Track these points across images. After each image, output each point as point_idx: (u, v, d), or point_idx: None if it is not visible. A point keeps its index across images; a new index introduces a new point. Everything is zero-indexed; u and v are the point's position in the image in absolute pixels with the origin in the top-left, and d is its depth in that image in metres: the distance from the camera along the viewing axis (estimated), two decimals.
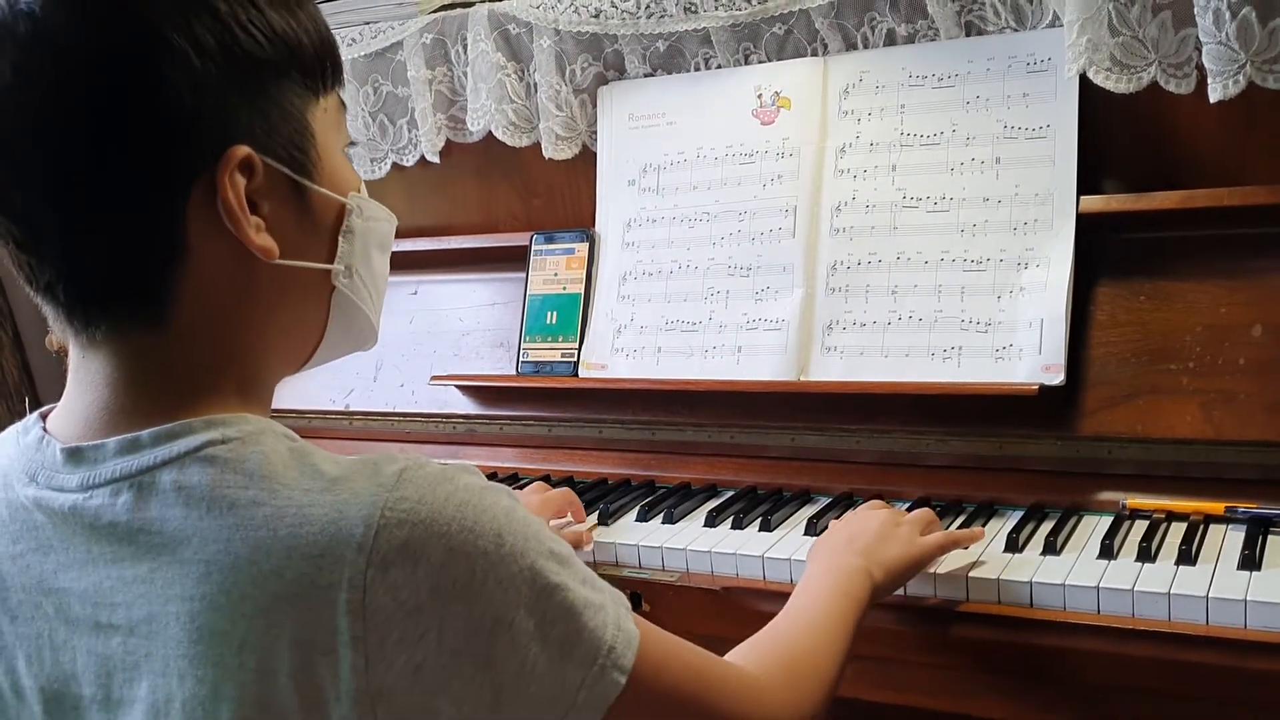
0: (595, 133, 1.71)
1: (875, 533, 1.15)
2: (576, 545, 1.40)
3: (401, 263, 1.87)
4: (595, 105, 1.71)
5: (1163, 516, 1.25)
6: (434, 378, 1.78)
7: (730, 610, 1.28)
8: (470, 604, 0.70)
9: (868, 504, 1.27)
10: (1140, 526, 1.23)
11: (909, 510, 1.34)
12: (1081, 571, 1.15)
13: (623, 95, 1.69)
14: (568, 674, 0.73)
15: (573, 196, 1.78)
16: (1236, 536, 1.19)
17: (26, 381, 2.29)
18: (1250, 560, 1.12)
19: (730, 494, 1.50)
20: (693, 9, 1.57)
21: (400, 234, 1.88)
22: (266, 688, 0.68)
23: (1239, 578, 1.10)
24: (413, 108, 1.84)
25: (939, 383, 1.39)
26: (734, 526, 1.38)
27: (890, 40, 1.50)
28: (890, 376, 1.43)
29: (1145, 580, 1.12)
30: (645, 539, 1.38)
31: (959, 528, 1.27)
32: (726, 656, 0.91)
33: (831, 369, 1.48)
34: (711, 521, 1.40)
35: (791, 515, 1.41)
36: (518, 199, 1.84)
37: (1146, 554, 1.16)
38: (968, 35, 1.45)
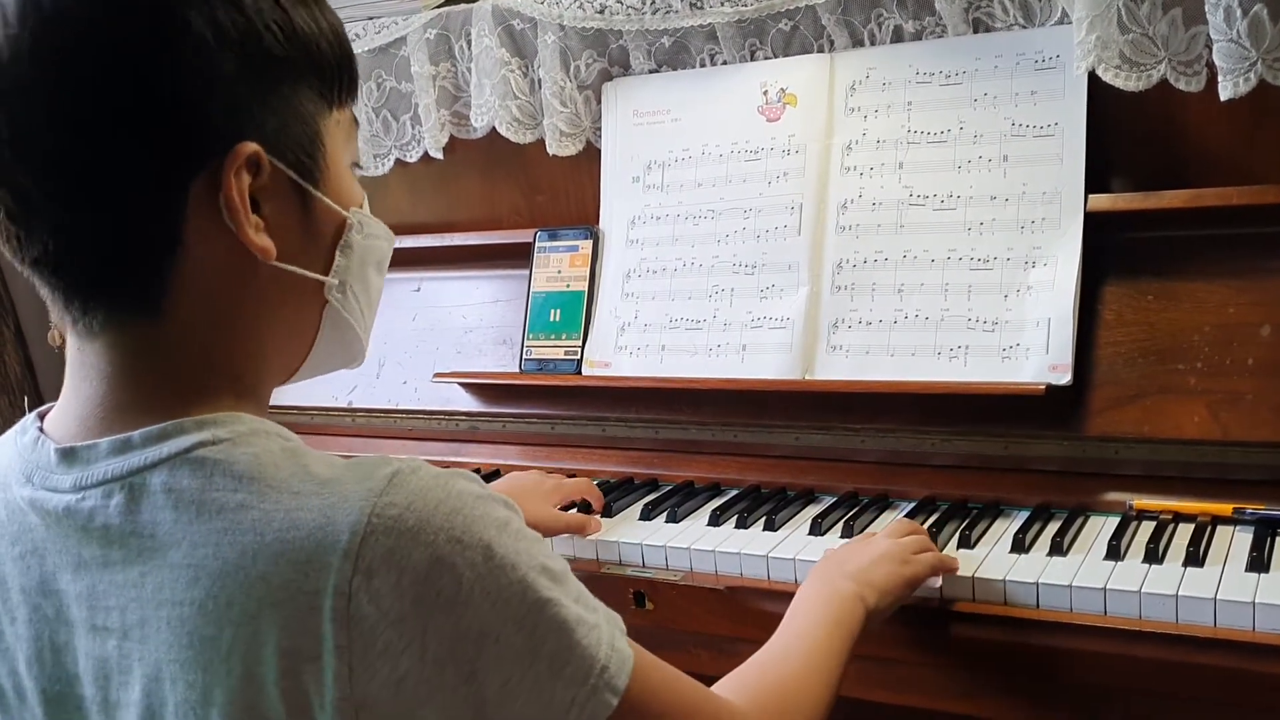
0: (599, 129, 1.70)
1: (867, 554, 1.13)
2: (583, 529, 1.39)
3: (404, 259, 1.87)
4: (600, 101, 1.70)
5: (1170, 517, 1.24)
6: (437, 375, 1.77)
7: (734, 609, 1.28)
8: (455, 616, 0.68)
9: (859, 536, 1.25)
10: (1147, 527, 1.22)
11: (915, 509, 1.34)
12: (1088, 573, 1.15)
13: (627, 91, 1.68)
14: (557, 692, 0.72)
15: (577, 193, 1.77)
16: (1245, 538, 1.18)
17: (29, 377, 2.29)
18: (1259, 562, 1.11)
19: (734, 493, 1.49)
20: (698, 5, 1.56)
21: (403, 230, 1.91)
22: (254, 693, 0.67)
23: (1247, 579, 1.09)
24: (416, 103, 1.83)
25: (945, 382, 1.38)
26: (738, 526, 1.37)
27: (897, 37, 1.49)
28: (896, 376, 1.42)
29: (1153, 582, 1.11)
30: (649, 538, 1.37)
31: (964, 529, 1.26)
32: (716, 686, 0.88)
33: (837, 368, 1.47)
34: (715, 520, 1.39)
35: (796, 515, 1.40)
36: (521, 195, 1.84)
37: (1154, 555, 1.16)
38: (975, 32, 1.44)
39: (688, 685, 0.81)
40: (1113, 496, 1.30)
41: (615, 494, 1.53)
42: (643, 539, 1.37)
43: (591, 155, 1.72)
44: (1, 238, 0.74)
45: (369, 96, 1.88)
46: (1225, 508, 1.23)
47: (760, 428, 1.52)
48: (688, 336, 1.59)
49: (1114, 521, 1.26)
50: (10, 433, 0.80)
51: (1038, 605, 1.15)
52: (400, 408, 1.83)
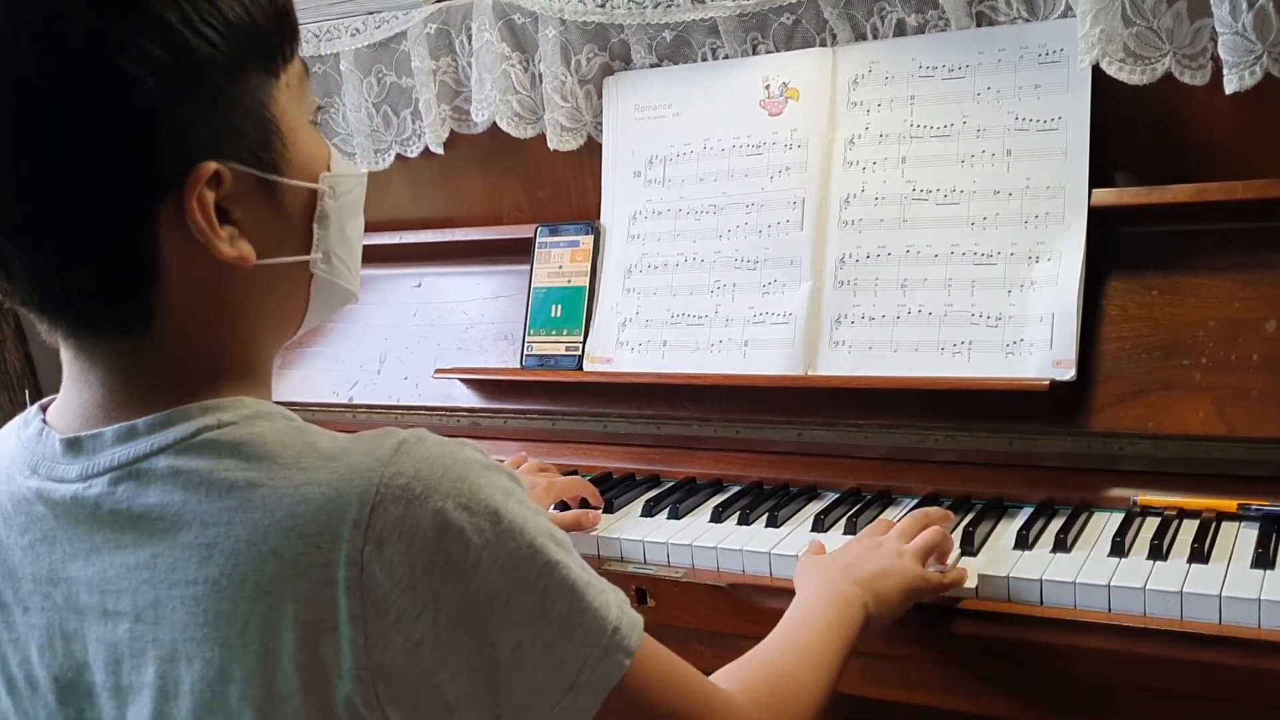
0: (601, 124, 1.70)
1: (875, 561, 1.11)
2: (580, 526, 1.39)
3: (405, 255, 1.88)
4: (601, 96, 1.69)
5: (1174, 514, 1.24)
6: (438, 370, 1.77)
7: (736, 607, 1.27)
8: (465, 581, 0.69)
9: (871, 526, 1.23)
10: (1152, 524, 1.22)
11: (918, 505, 1.33)
12: (1092, 569, 1.14)
13: (629, 86, 1.67)
14: (569, 653, 0.72)
15: (578, 188, 1.76)
16: (1250, 534, 1.17)
17: (29, 373, 2.29)
18: (1264, 559, 1.11)
19: (736, 489, 1.49)
20: None
21: (404, 225, 1.90)
22: (271, 667, 0.68)
23: (1252, 576, 1.09)
24: (417, 98, 1.82)
25: (948, 378, 1.38)
26: (740, 522, 1.37)
27: (900, 30, 1.48)
28: (899, 371, 1.41)
29: (1157, 578, 1.11)
30: (650, 534, 1.36)
31: (968, 524, 1.25)
32: (714, 675, 0.88)
33: (839, 363, 1.46)
34: (717, 517, 1.38)
35: (798, 511, 1.40)
36: (522, 191, 1.83)
37: (1158, 552, 1.15)
38: (979, 25, 1.43)
39: (687, 671, 0.82)
40: (1117, 492, 1.29)
41: (617, 490, 1.52)
42: (644, 535, 1.36)
43: (593, 150, 1.72)
44: None
45: (369, 91, 1.87)
46: (1230, 504, 1.22)
47: (763, 424, 1.52)
48: (689, 332, 1.58)
49: (1118, 518, 1.25)
50: (12, 425, 0.81)
51: (1041, 602, 1.14)
52: (401, 404, 1.83)
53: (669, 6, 1.58)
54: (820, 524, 1.32)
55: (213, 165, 0.71)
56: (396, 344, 1.86)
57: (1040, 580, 1.14)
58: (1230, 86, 1.23)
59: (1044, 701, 1.14)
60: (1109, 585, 1.11)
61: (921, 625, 1.16)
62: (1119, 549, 1.17)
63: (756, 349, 1.52)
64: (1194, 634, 1.06)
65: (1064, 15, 1.36)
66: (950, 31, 1.45)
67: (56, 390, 0.78)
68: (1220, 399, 1.25)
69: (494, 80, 1.72)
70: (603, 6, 1.62)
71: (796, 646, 0.98)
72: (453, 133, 1.83)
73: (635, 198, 1.66)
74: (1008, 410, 1.34)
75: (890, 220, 1.46)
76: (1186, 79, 1.28)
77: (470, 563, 0.69)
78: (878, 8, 1.48)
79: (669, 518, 1.41)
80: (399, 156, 1.89)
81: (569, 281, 1.70)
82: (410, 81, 1.83)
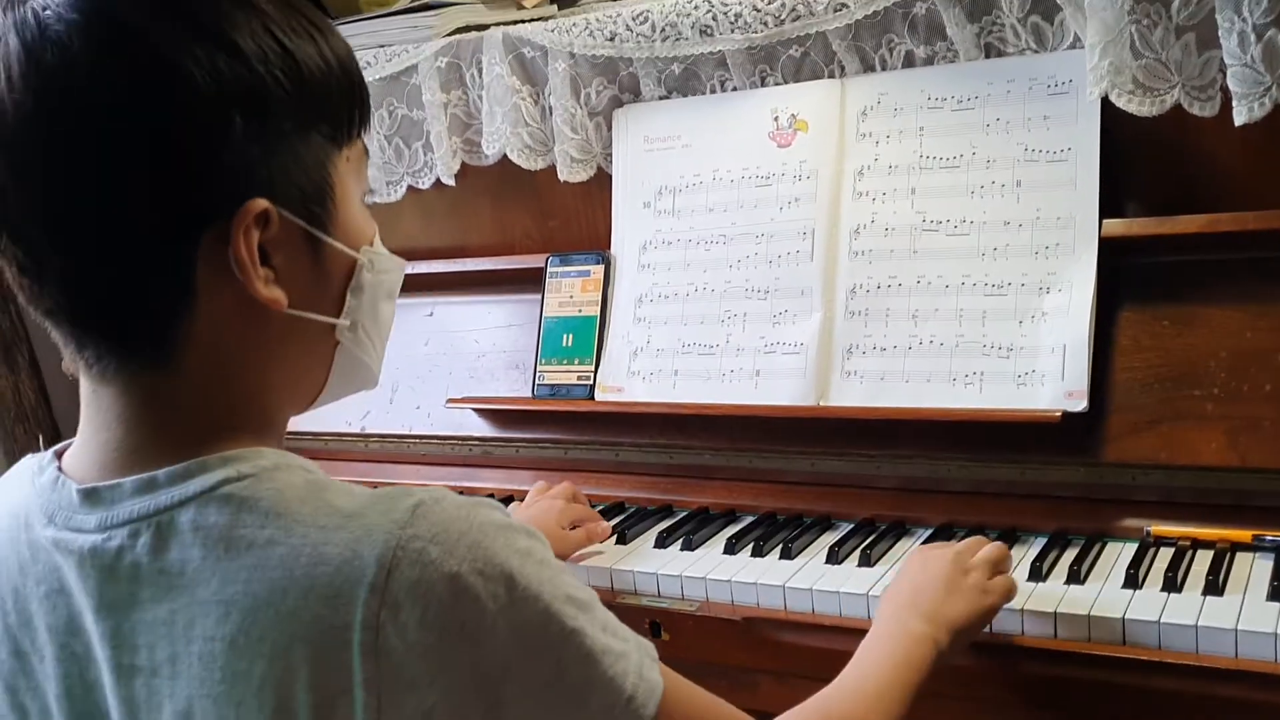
0: (610, 155, 1.70)
1: (942, 589, 1.08)
2: (593, 537, 1.41)
3: (417, 284, 1.88)
4: (610, 128, 1.70)
5: (1188, 544, 1.24)
6: (450, 400, 1.77)
7: (751, 641, 1.27)
8: (478, 648, 0.69)
9: (933, 545, 1.20)
10: (1166, 554, 1.22)
11: (932, 536, 1.33)
12: (1106, 601, 1.14)
13: (638, 118, 1.68)
14: None
15: (588, 219, 1.77)
16: (1265, 565, 1.17)
17: (43, 405, 2.30)
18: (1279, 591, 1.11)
19: (750, 519, 1.49)
20: (708, 32, 1.56)
21: (416, 256, 1.91)
22: None
23: (1269, 609, 1.09)
24: (428, 131, 1.83)
25: (961, 408, 1.38)
26: (754, 554, 1.37)
27: (909, 62, 1.48)
28: (911, 402, 1.41)
29: (1171, 611, 1.10)
30: (664, 567, 1.37)
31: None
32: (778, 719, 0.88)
33: (851, 394, 1.46)
34: (731, 548, 1.39)
35: (813, 542, 1.40)
36: (533, 221, 1.84)
37: (1172, 584, 1.15)
38: (987, 57, 1.43)
39: (724, 713, 0.81)
40: (1130, 523, 1.29)
41: (630, 520, 1.53)
42: (658, 568, 1.37)
43: (603, 181, 1.72)
44: (16, 286, 0.75)
45: (381, 124, 1.88)
46: (1244, 534, 1.22)
47: (775, 453, 1.52)
48: (701, 362, 1.58)
49: (1132, 548, 1.25)
50: (24, 470, 0.81)
51: (1055, 635, 1.14)
52: (414, 433, 1.83)
53: (677, 40, 1.59)
54: (834, 555, 1.32)
55: (264, 203, 0.72)
56: (409, 373, 1.87)
57: (1054, 613, 1.14)
58: (1240, 118, 1.23)
59: None
60: (1124, 618, 1.11)
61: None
62: (1133, 581, 1.17)
63: (768, 379, 1.52)
64: (1210, 668, 1.06)
65: (1073, 46, 1.37)
66: (959, 63, 1.45)
67: (71, 423, 0.79)
68: (1233, 429, 1.25)
69: (504, 113, 1.73)
70: (612, 40, 1.63)
71: (865, 689, 0.97)
72: (464, 164, 1.84)
73: (645, 228, 1.66)
74: (1020, 441, 1.34)
75: (900, 251, 1.46)
76: (1195, 110, 1.28)
77: (485, 630, 0.69)
78: (886, 39, 1.48)
79: (683, 549, 1.41)
80: (410, 188, 1.90)
81: (580, 311, 1.71)
82: (421, 114, 1.84)
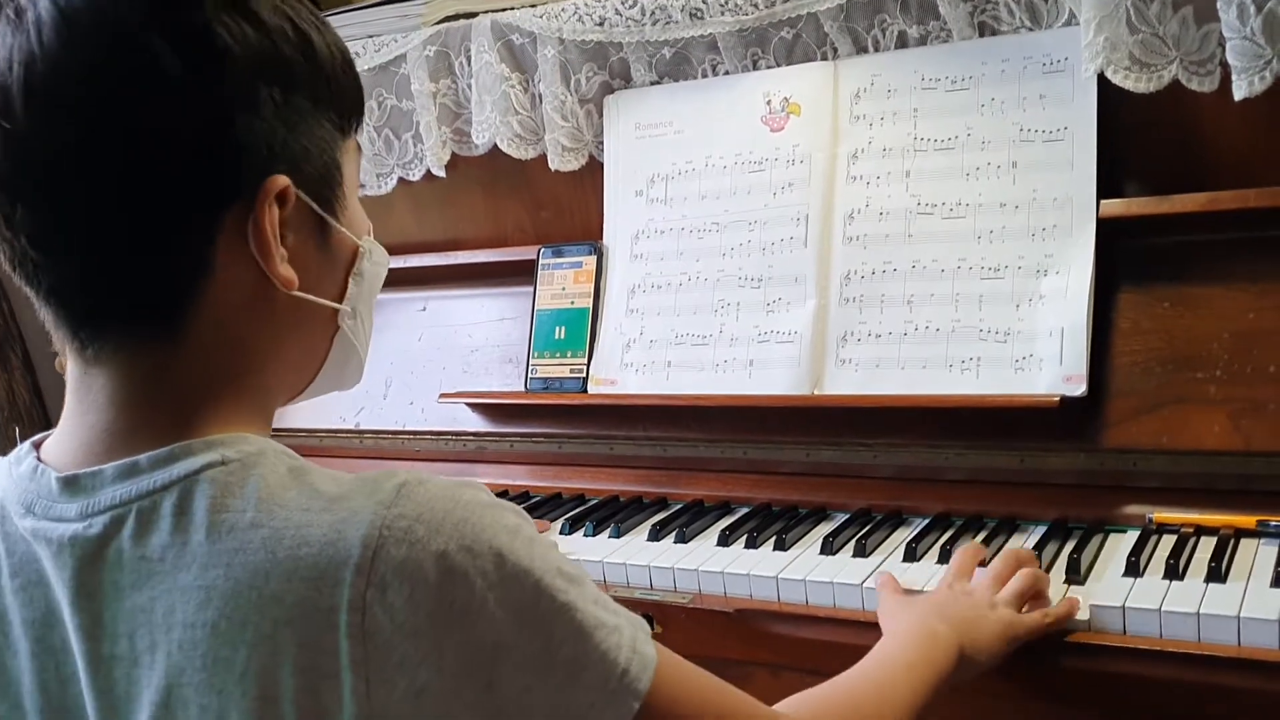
0: (602, 143, 1.68)
1: (969, 611, 1.06)
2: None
3: (410, 278, 1.86)
4: (601, 115, 1.68)
5: (1191, 530, 1.21)
6: (443, 395, 1.76)
7: (744, 633, 1.25)
8: (469, 627, 0.67)
9: (957, 565, 1.15)
10: (1168, 542, 1.19)
11: (930, 525, 1.30)
12: (1107, 590, 1.11)
13: (629, 104, 1.66)
14: (576, 697, 0.71)
15: (580, 208, 1.75)
16: (1269, 552, 1.15)
17: (37, 403, 2.29)
18: None
19: (744, 511, 1.47)
20: (698, 15, 1.54)
21: (408, 249, 1.89)
22: (271, 713, 0.66)
23: (1271, 596, 1.06)
24: (417, 121, 1.81)
25: (957, 395, 1.35)
26: (748, 545, 1.34)
27: (902, 43, 1.46)
28: (907, 389, 1.39)
29: (1173, 599, 1.08)
30: (657, 559, 1.34)
31: (980, 543, 1.22)
32: (781, 703, 0.86)
33: (846, 382, 1.44)
34: (725, 540, 1.36)
35: (808, 533, 1.37)
36: (525, 212, 1.82)
37: (1174, 571, 1.12)
38: (981, 36, 1.41)
39: (723, 692, 0.79)
40: (1131, 509, 1.26)
41: (624, 513, 1.51)
42: (650, 561, 1.34)
43: (594, 169, 1.70)
44: (15, 262, 0.73)
45: (370, 115, 1.86)
46: (1248, 520, 1.19)
47: (770, 444, 1.49)
48: (694, 352, 1.56)
49: (1133, 535, 1.22)
50: (2, 464, 0.79)
51: None
52: (407, 429, 1.82)
53: (668, 24, 1.57)
54: (829, 546, 1.30)
55: (285, 180, 0.73)
56: (402, 368, 1.85)
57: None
58: (1239, 93, 1.20)
59: None
60: (1124, 606, 1.08)
61: None
62: (1134, 569, 1.14)
63: (762, 368, 1.50)
64: (1212, 656, 1.03)
65: (1067, 24, 1.34)
66: (953, 43, 1.42)
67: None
68: (1236, 413, 1.22)
69: (494, 101, 1.71)
70: (601, 25, 1.61)
71: (877, 681, 0.95)
72: (454, 155, 1.82)
73: (638, 217, 1.64)
74: (1018, 427, 1.32)
75: (895, 235, 1.43)
76: (1194, 86, 1.25)
77: (475, 608, 0.67)
78: (879, 20, 1.46)
79: (676, 541, 1.39)
80: (401, 180, 1.88)
81: (573, 303, 1.68)
82: (411, 104, 1.81)
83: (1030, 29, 1.37)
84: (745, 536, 1.36)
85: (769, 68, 1.56)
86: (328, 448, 1.87)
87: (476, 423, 1.75)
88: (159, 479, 0.70)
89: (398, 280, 1.88)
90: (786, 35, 1.52)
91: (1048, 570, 1.18)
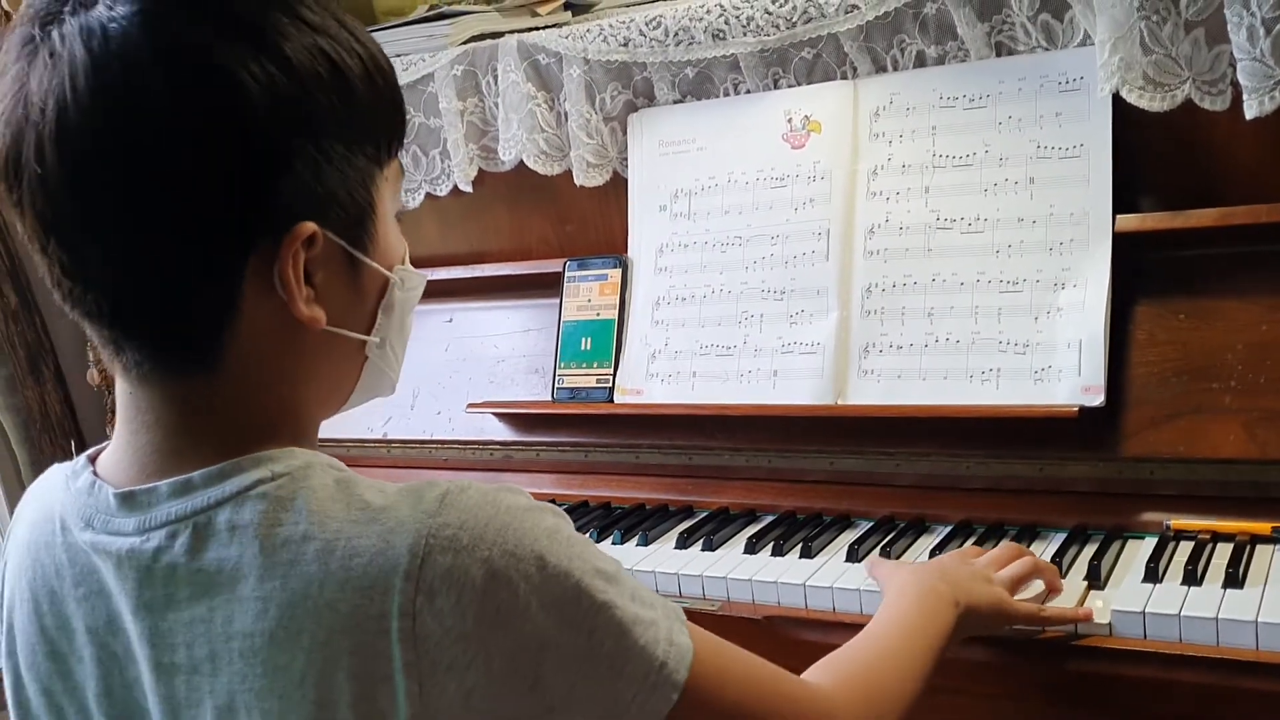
0: (626, 159, 1.72)
1: (968, 574, 1.12)
2: None
3: (436, 291, 1.89)
4: (625, 132, 1.72)
5: (1208, 537, 1.24)
6: (470, 405, 1.79)
7: (773, 640, 1.28)
8: (515, 629, 0.71)
9: (960, 550, 1.23)
10: (1186, 548, 1.22)
11: (952, 533, 1.34)
12: (1126, 596, 1.14)
13: (653, 122, 1.70)
14: (619, 691, 0.74)
15: (605, 223, 1.78)
16: None
17: (69, 415, 2.32)
18: None
19: (769, 519, 1.50)
20: (721, 36, 1.58)
21: (435, 262, 1.93)
22: (329, 717, 0.70)
23: None
24: (445, 138, 1.85)
25: (978, 405, 1.38)
26: (774, 553, 1.38)
27: (920, 62, 1.49)
28: (928, 400, 1.42)
29: (1192, 604, 1.11)
30: (685, 567, 1.38)
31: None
32: (806, 671, 0.91)
33: (869, 392, 1.47)
34: (751, 548, 1.40)
35: (832, 541, 1.40)
36: (550, 226, 1.85)
37: (1193, 577, 1.15)
38: (998, 55, 1.44)
39: (762, 669, 0.84)
40: (1149, 517, 1.29)
41: (651, 521, 1.54)
42: (678, 568, 1.38)
43: (618, 185, 1.74)
44: (53, 285, 0.76)
45: None
46: (1264, 526, 1.22)
47: (794, 453, 1.53)
48: (718, 363, 1.59)
49: (1151, 542, 1.25)
50: (57, 475, 0.82)
51: (1076, 630, 1.14)
52: (435, 438, 1.85)
53: (690, 44, 1.60)
54: (854, 554, 1.33)
55: (312, 226, 0.74)
56: (429, 379, 1.88)
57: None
58: (1250, 112, 1.23)
59: None
60: (1144, 612, 1.11)
61: (952, 654, 1.16)
62: (1153, 575, 1.17)
63: (785, 379, 1.53)
64: (1231, 660, 1.06)
65: (1083, 44, 1.37)
66: (970, 62, 1.46)
67: (96, 433, 0.80)
68: (1251, 422, 1.25)
69: (520, 119, 1.75)
70: (625, 45, 1.65)
71: (889, 639, 1.00)
72: (481, 171, 1.86)
73: (662, 231, 1.68)
74: (1038, 437, 1.35)
75: (915, 249, 1.47)
76: (1206, 105, 1.28)
77: (519, 610, 0.71)
78: (897, 40, 1.49)
79: (703, 549, 1.43)
80: (429, 195, 1.92)
81: (598, 314, 1.72)
82: (438, 122, 1.85)
83: (1046, 49, 1.41)
84: (771, 544, 1.39)
85: (790, 87, 1.59)
86: (355, 457, 1.90)
87: (503, 432, 1.78)
88: (212, 495, 0.73)
89: (425, 293, 1.90)
90: (807, 55, 1.56)
91: (1066, 576, 1.21)
